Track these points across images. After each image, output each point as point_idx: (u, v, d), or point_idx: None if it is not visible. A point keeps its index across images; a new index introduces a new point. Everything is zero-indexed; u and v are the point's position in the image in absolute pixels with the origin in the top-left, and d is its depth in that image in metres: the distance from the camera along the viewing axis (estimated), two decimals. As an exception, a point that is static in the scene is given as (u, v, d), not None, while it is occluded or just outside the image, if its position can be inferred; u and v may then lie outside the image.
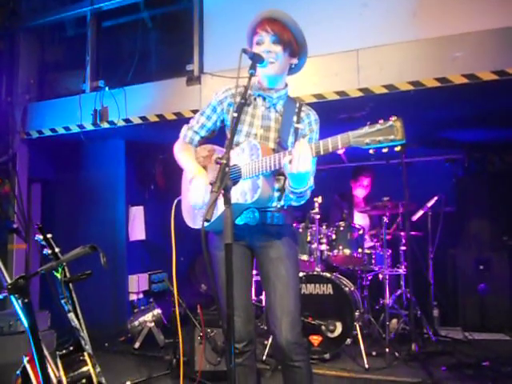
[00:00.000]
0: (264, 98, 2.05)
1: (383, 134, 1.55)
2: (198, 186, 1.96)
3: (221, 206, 1.85)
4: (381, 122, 1.57)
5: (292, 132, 2.01)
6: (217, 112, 2.10)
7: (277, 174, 1.97)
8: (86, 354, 1.94)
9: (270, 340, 3.54)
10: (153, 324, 4.17)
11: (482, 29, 3.06)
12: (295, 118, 2.02)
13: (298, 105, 2.06)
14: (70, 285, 1.96)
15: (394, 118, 1.55)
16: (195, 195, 1.97)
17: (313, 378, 2.02)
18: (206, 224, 1.51)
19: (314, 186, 2.02)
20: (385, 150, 1.58)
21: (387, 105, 3.51)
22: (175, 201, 2.16)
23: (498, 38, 3.03)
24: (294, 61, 2.03)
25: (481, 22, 3.08)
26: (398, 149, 1.57)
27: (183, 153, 2.13)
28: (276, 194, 1.99)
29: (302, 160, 1.68)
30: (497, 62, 3.01)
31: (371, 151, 1.60)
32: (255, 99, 2.06)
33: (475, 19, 3.11)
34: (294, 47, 1.99)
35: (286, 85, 2.09)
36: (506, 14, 3.04)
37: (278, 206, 2.00)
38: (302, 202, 1.97)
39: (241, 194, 1.88)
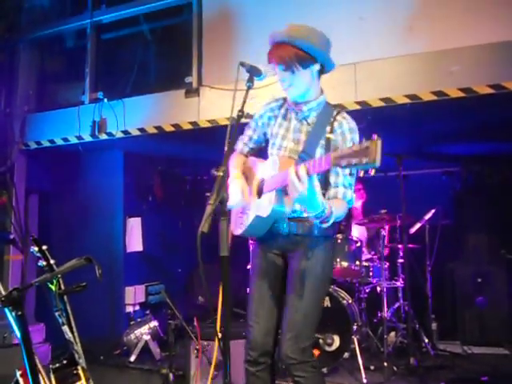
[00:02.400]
0: (296, 112, 2.07)
1: (358, 156, 1.47)
2: (232, 189, 2.05)
3: (252, 213, 1.98)
4: (362, 142, 1.50)
5: (323, 144, 1.97)
6: (258, 125, 2.20)
7: None
8: (79, 367, 1.92)
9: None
10: (149, 337, 4.14)
11: (478, 43, 3.09)
12: (328, 128, 1.98)
13: (334, 113, 2.01)
14: (65, 297, 1.94)
15: (375, 138, 1.47)
16: (231, 197, 2.03)
17: None
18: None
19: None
20: (361, 174, 1.58)
21: (385, 118, 3.53)
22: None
23: (494, 52, 3.06)
24: (316, 67, 1.97)
25: (477, 36, 3.11)
26: (372, 172, 1.52)
27: (231, 163, 2.19)
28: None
29: (295, 185, 1.65)
30: (493, 76, 3.03)
31: (347, 171, 1.60)
32: (290, 112, 2.09)
33: (471, 33, 3.14)
34: (303, 58, 1.92)
35: (321, 92, 2.06)
36: (502, 29, 3.07)
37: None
38: (328, 225, 1.83)
39: (261, 207, 1.94)
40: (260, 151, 2.26)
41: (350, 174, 1.95)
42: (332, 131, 1.97)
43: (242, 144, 2.26)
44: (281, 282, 2.06)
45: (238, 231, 2.09)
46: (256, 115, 2.20)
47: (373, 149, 1.43)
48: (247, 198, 2.04)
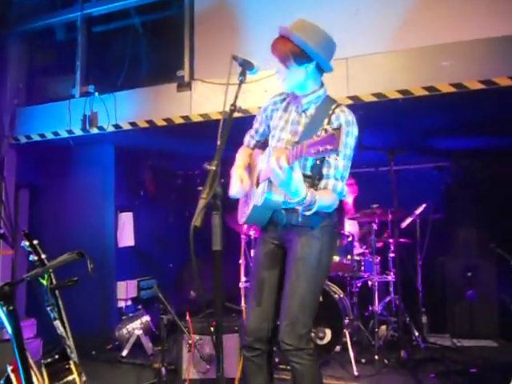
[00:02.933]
0: (296, 105, 2.12)
1: (324, 144, 1.59)
2: (232, 178, 2.17)
3: (251, 203, 2.05)
4: (328, 130, 1.60)
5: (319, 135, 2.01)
6: (263, 118, 2.26)
7: (309, 173, 2.02)
8: (71, 362, 1.91)
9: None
10: (141, 331, 4.13)
11: (469, 38, 3.11)
12: (326, 121, 2.00)
13: (333, 107, 2.04)
14: (56, 292, 1.93)
15: (336, 128, 1.58)
16: (231, 186, 2.17)
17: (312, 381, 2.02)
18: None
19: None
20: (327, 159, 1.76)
21: (377, 113, 3.54)
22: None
23: (486, 47, 3.08)
24: (311, 66, 1.99)
25: (468, 31, 3.12)
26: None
27: (237, 156, 2.29)
28: None
29: (275, 173, 1.74)
30: (484, 72, 3.05)
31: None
32: (291, 105, 2.14)
33: (463, 29, 3.15)
34: (298, 55, 1.95)
35: (321, 86, 2.09)
36: (494, 25, 3.08)
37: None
38: (312, 212, 1.88)
39: (257, 196, 2.01)
40: (266, 144, 2.29)
41: (343, 167, 1.97)
42: (329, 123, 1.98)
43: (249, 137, 2.34)
44: (279, 271, 2.11)
45: (242, 220, 2.18)
46: (262, 108, 2.26)
47: (336, 137, 1.55)
48: (246, 186, 2.11)
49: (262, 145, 2.32)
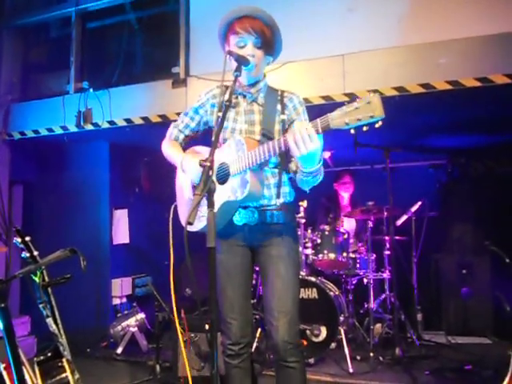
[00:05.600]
0: (244, 96, 2.06)
1: (362, 112, 1.50)
2: (191, 165, 1.96)
3: (217, 201, 1.83)
4: (358, 99, 1.53)
5: (278, 120, 2.00)
6: (199, 114, 2.15)
7: (274, 167, 1.97)
8: (64, 360, 1.90)
9: (255, 345, 3.52)
10: (136, 329, 4.12)
11: (465, 36, 3.11)
12: (279, 107, 2.02)
13: (279, 92, 2.06)
14: (49, 289, 1.91)
15: (371, 94, 1.52)
16: (192, 173, 1.97)
17: (306, 381, 2.01)
18: (191, 227, 1.51)
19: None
20: (365, 129, 1.53)
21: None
22: (172, 206, 2.14)
23: (482, 45, 3.08)
24: (270, 59, 2.06)
25: (465, 29, 3.13)
26: (378, 125, 1.52)
27: (170, 148, 2.17)
28: (274, 191, 1.98)
29: (306, 143, 1.62)
30: (480, 69, 3.05)
31: (352, 131, 1.56)
32: (237, 97, 2.07)
33: (459, 26, 3.15)
34: (272, 46, 2.01)
35: (264, 76, 2.09)
36: (490, 22, 3.08)
37: (278, 203, 1.99)
38: (319, 181, 1.87)
39: (231, 191, 1.88)
40: (192, 141, 2.22)
41: None
42: (284, 108, 2.01)
43: (177, 131, 2.20)
44: (249, 273, 2.08)
45: (199, 226, 1.95)
46: (196, 103, 2.15)
47: (376, 102, 1.49)
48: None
49: (188, 142, 2.21)
